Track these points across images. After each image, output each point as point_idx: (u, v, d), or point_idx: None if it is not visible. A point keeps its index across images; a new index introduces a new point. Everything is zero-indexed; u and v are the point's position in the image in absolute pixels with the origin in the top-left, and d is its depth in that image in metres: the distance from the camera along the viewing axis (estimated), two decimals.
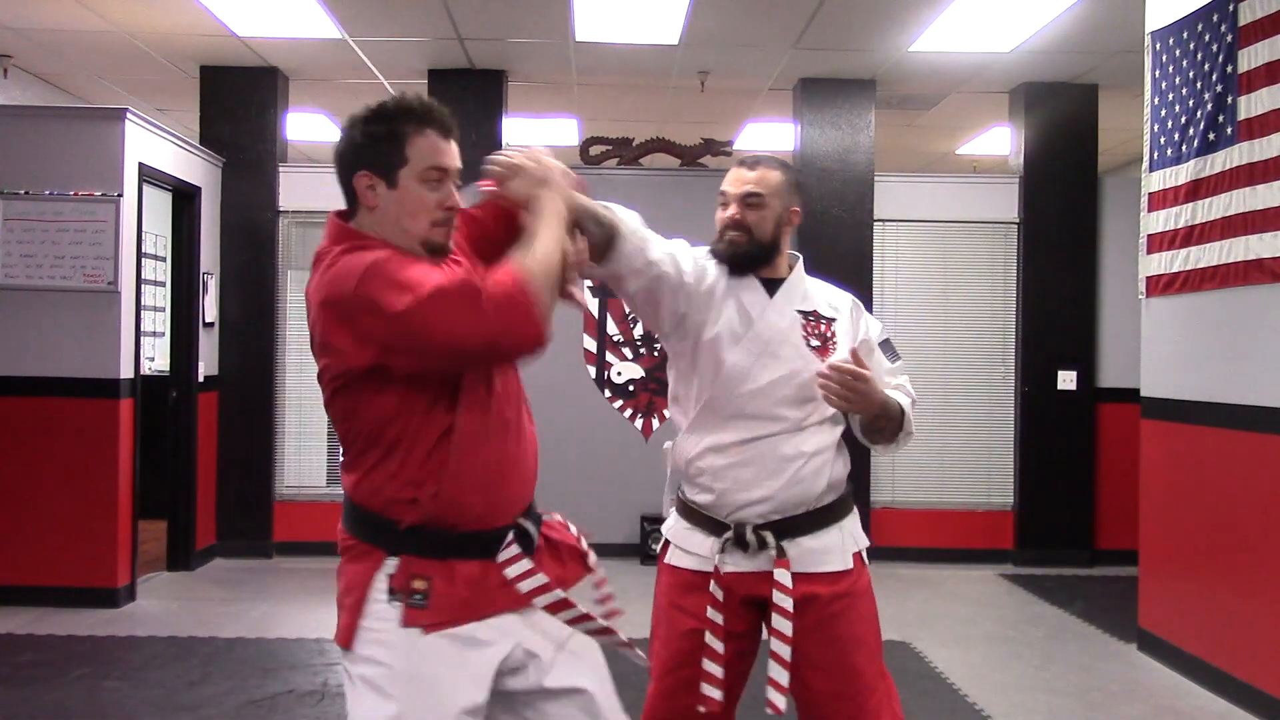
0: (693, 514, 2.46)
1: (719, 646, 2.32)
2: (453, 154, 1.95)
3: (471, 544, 1.93)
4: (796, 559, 2.34)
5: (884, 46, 6.49)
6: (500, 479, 1.96)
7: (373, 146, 1.90)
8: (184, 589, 6.20)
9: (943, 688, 4.58)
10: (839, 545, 2.41)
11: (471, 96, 7.12)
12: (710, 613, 2.33)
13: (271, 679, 4.54)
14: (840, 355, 2.39)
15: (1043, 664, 4.97)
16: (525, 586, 1.93)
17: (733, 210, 2.47)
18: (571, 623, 1.98)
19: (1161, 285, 5.00)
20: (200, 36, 6.49)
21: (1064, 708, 4.36)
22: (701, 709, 2.32)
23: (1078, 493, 7.13)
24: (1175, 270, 4.87)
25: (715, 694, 2.30)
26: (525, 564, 1.94)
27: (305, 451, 7.25)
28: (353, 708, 1.91)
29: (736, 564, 2.37)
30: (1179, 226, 4.83)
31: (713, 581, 2.35)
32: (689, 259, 2.50)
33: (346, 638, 1.93)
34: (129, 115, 5.77)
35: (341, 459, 2.04)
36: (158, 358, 7.98)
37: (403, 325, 1.76)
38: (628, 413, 7.15)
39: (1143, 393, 5.21)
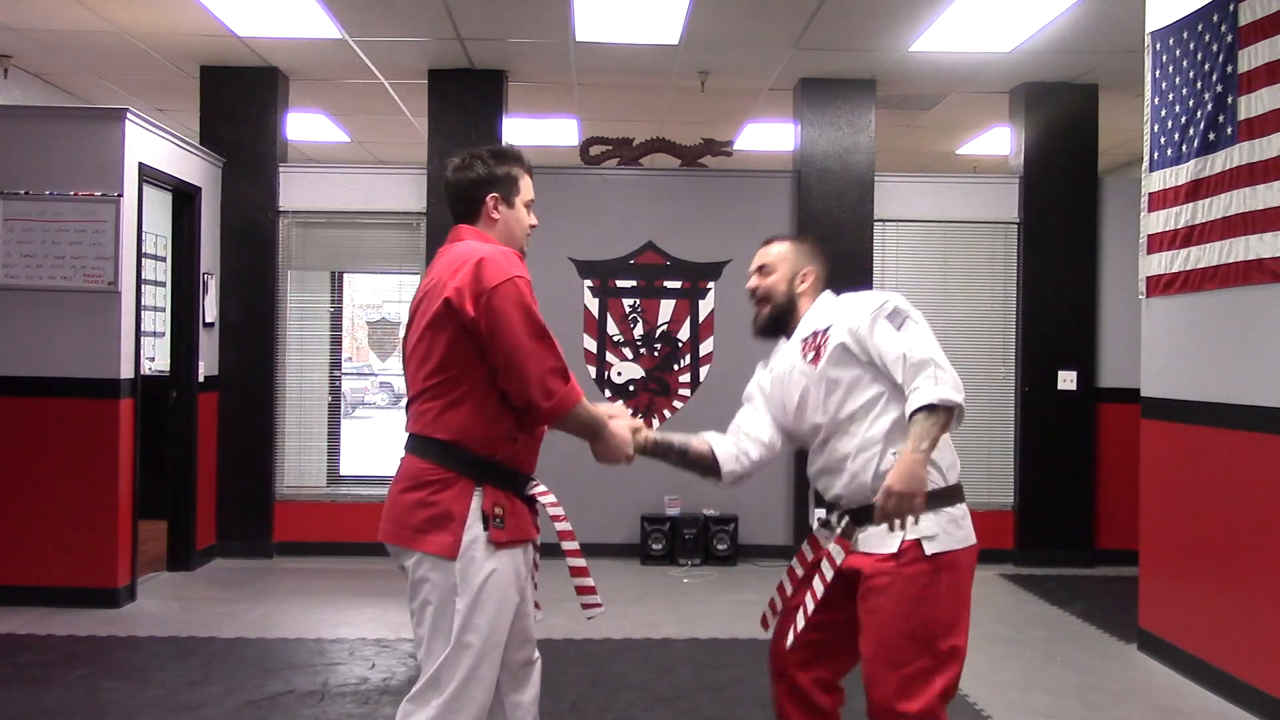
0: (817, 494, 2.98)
1: (788, 586, 2.88)
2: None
3: (521, 482, 2.60)
4: (861, 539, 2.72)
5: (884, 46, 6.49)
6: (538, 445, 2.68)
7: (500, 179, 2.77)
8: (184, 589, 6.20)
9: None
10: (890, 534, 2.64)
11: (471, 96, 7.12)
12: (794, 563, 2.90)
13: (271, 679, 4.54)
14: (830, 351, 2.73)
15: (1043, 664, 4.97)
16: (554, 513, 2.62)
17: (751, 282, 2.94)
18: (570, 554, 2.63)
19: (1161, 285, 5.00)
20: (200, 36, 6.49)
21: (1064, 708, 4.36)
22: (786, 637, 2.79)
23: (1078, 493, 7.13)
24: (1175, 270, 4.87)
25: (770, 615, 2.88)
26: (553, 497, 2.63)
27: (305, 451, 7.26)
28: (461, 597, 2.47)
29: (827, 541, 2.82)
30: (1179, 226, 4.84)
31: (806, 545, 2.91)
32: (761, 378, 3.02)
33: (454, 550, 2.47)
34: (129, 115, 5.77)
35: (423, 403, 2.55)
36: (158, 358, 7.98)
37: (514, 342, 2.48)
38: (628, 413, 7.14)
39: (1143, 393, 5.21)
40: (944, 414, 2.56)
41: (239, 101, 7.12)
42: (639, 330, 7.17)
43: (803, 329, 2.85)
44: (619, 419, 2.81)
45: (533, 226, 2.81)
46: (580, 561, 2.66)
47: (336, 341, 7.76)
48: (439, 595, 2.49)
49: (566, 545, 2.64)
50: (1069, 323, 7.14)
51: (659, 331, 7.18)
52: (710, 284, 7.18)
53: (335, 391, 7.73)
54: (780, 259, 2.89)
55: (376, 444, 14.34)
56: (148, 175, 5.99)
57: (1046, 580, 6.69)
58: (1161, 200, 5.00)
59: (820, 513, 2.98)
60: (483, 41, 6.55)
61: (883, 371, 2.67)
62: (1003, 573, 6.91)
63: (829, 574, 2.70)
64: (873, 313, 2.69)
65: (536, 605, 2.71)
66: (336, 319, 7.70)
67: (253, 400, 7.05)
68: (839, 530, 2.74)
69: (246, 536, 7.01)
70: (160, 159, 6.15)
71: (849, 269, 7.09)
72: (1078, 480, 7.14)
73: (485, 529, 2.48)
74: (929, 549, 2.64)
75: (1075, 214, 7.17)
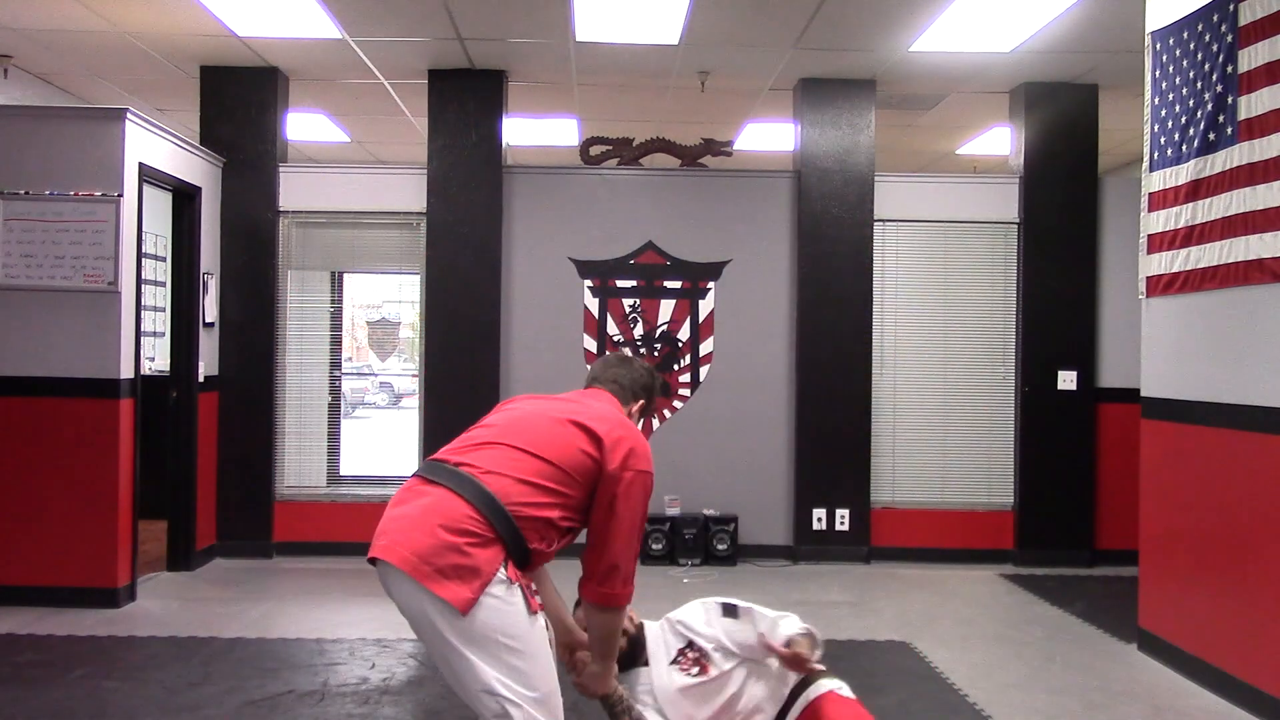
0: None
1: None
2: None
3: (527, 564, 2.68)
4: None
5: (884, 46, 6.49)
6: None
7: (651, 404, 3.15)
8: (184, 589, 6.20)
9: (943, 688, 4.58)
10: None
11: (471, 96, 7.12)
12: None
13: (271, 679, 4.54)
14: (717, 668, 3.07)
15: (1043, 664, 4.97)
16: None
17: None
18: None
19: (1161, 285, 5.00)
20: (200, 36, 6.49)
21: (1064, 708, 4.36)
22: None
23: (1078, 493, 7.13)
24: (1175, 270, 4.87)
25: None
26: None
27: (305, 451, 7.25)
28: (497, 661, 2.52)
29: None
30: (1179, 226, 4.84)
31: None
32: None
33: (467, 607, 2.47)
34: (129, 115, 5.77)
35: (531, 481, 2.64)
36: (158, 358, 7.98)
37: (626, 524, 2.74)
38: None
39: (1143, 393, 5.21)
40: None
41: (239, 101, 7.11)
42: (639, 330, 7.17)
43: (653, 663, 3.12)
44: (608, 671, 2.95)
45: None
46: None
47: (336, 341, 7.76)
48: (440, 636, 2.53)
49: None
50: (1069, 323, 7.14)
51: (659, 331, 7.18)
52: (710, 284, 7.18)
53: (335, 391, 7.73)
54: None
55: (376, 444, 14.36)
56: (148, 175, 5.99)
57: (1046, 580, 6.69)
58: (1161, 200, 5.00)
59: None
60: (483, 41, 6.55)
61: None
62: (1003, 573, 6.91)
63: None
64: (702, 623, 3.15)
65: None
66: (336, 319, 7.70)
67: (253, 400, 7.05)
68: None
69: (246, 536, 7.01)
70: (160, 159, 6.15)
71: (849, 269, 7.10)
72: (1078, 480, 7.14)
73: (524, 599, 2.58)
74: None
75: (1075, 214, 7.16)
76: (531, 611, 2.57)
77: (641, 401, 3.10)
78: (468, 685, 2.53)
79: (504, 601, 2.51)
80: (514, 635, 2.52)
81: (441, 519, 2.52)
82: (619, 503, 2.69)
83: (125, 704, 4.21)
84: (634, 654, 3.10)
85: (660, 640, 3.13)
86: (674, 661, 3.07)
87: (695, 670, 3.05)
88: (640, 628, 3.13)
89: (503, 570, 2.52)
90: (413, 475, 2.71)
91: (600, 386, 3.04)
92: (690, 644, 3.08)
